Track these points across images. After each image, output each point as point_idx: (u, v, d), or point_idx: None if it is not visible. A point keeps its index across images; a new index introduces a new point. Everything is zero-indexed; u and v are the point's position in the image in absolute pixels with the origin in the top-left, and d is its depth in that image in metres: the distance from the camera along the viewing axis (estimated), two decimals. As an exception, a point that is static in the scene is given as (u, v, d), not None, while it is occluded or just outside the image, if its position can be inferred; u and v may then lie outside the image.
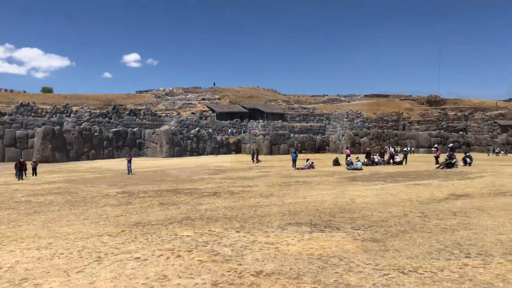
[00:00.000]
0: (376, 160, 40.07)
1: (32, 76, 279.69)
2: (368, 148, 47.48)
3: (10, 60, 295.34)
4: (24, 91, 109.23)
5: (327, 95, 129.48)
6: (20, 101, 77.10)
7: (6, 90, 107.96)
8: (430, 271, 7.38)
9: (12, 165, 37.06)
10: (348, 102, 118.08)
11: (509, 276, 7.11)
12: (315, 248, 9.16)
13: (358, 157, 39.58)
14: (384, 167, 36.15)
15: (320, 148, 70.68)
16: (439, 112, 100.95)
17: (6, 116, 64.20)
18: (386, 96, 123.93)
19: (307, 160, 37.83)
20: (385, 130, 75.57)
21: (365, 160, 38.78)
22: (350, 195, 17.79)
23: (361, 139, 68.53)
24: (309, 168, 35.17)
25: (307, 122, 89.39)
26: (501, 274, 7.18)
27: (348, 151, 44.69)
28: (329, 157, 51.05)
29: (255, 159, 45.98)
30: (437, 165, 34.04)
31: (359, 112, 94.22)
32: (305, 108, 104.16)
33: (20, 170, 30.53)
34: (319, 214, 13.20)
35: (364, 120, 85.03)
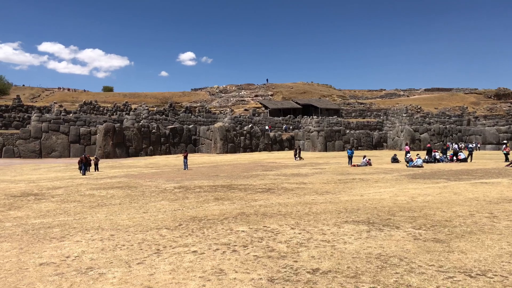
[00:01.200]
0: (438, 157, 38.27)
1: (94, 76, 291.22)
2: (429, 145, 45.25)
3: (74, 61, 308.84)
4: (84, 90, 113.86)
5: (384, 90, 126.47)
6: (84, 100, 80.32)
7: (69, 89, 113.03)
8: (501, 275, 6.99)
9: (76, 160, 38.75)
10: (407, 96, 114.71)
11: None
12: (374, 247, 8.91)
13: (418, 154, 38.45)
14: (447, 165, 34.67)
15: (378, 144, 69.36)
16: (509, 106, 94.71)
17: (71, 114, 66.87)
18: (449, 90, 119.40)
19: (364, 157, 37.01)
20: (447, 126, 72.48)
21: (426, 157, 37.42)
22: (410, 193, 17.28)
23: (421, 135, 66.63)
24: (366, 165, 34.44)
25: (363, 118, 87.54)
26: None
27: (407, 147, 43.16)
28: (387, 153, 50.29)
29: (297, 157, 45.32)
30: (507, 163, 32.62)
31: (419, 107, 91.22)
32: (361, 104, 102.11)
33: (85, 165, 31.65)
34: (377, 213, 12.88)
35: (424, 115, 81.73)
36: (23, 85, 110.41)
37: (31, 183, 25.67)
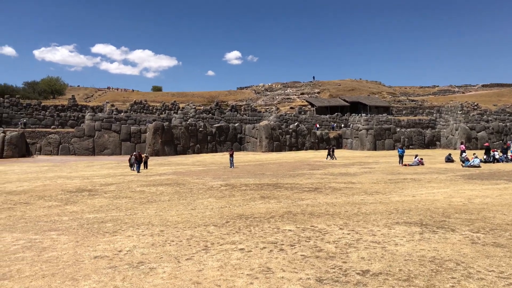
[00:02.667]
0: (497, 156, 36.23)
1: (144, 76, 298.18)
2: (487, 144, 42.67)
3: (125, 62, 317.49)
4: (133, 90, 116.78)
5: (437, 86, 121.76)
6: (134, 100, 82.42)
7: (117, 89, 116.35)
8: None
9: (127, 157, 39.72)
10: (463, 93, 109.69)
11: None
12: (427, 250, 8.63)
13: (475, 153, 36.67)
14: (507, 165, 32.98)
15: (430, 143, 66.83)
16: None
17: (122, 113, 68.48)
18: (509, 85, 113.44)
19: (416, 156, 35.92)
20: (508, 124, 68.77)
21: (484, 157, 35.67)
22: (466, 195, 16.71)
23: (478, 134, 63.62)
24: (417, 164, 33.33)
25: (415, 116, 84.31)
26: None
27: (463, 146, 41.52)
28: (441, 153, 48.68)
29: (333, 156, 43.86)
30: None
31: (475, 103, 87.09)
32: (412, 101, 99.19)
33: (139, 163, 32.03)
34: (430, 214, 12.52)
35: (482, 113, 77.59)
36: (78, 86, 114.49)
37: (85, 180, 26.46)
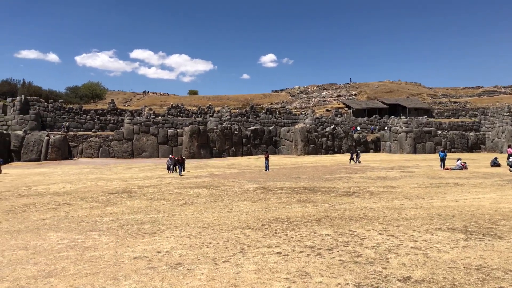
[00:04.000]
0: None
1: (181, 80, 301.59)
2: None
3: (162, 67, 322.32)
4: (168, 94, 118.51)
5: (482, 87, 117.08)
6: (171, 103, 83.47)
7: (154, 93, 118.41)
8: None
9: (164, 160, 40.40)
10: (510, 94, 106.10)
11: None
12: (473, 257, 8.38)
13: None
14: None
15: (474, 146, 64.82)
16: None
17: (159, 117, 69.74)
18: None
19: (458, 159, 34.83)
20: None
21: None
22: None
23: None
24: (460, 168, 32.52)
25: (457, 118, 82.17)
26: None
27: (510, 150, 39.35)
28: (486, 156, 47.45)
29: (355, 160, 43.03)
30: None
31: None
32: (455, 102, 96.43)
33: (182, 165, 32.32)
34: (475, 220, 12.17)
35: None
36: (118, 90, 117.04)
37: (125, 182, 27.12)
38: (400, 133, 63.89)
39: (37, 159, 53.27)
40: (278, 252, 8.83)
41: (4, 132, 54.86)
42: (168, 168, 33.69)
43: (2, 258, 9.47)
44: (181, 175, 30.80)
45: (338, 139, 65.20)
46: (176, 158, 33.67)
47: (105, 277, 7.77)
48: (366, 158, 51.93)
